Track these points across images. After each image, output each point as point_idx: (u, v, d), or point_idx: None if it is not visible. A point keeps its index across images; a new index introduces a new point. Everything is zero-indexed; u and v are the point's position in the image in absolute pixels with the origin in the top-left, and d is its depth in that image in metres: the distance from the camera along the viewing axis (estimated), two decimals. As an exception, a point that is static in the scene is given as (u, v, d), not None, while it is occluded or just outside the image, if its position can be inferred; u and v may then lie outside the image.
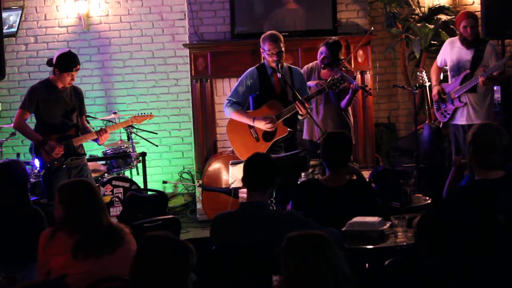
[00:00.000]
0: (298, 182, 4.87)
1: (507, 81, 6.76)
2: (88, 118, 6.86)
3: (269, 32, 5.81)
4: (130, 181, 6.84)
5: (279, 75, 5.64)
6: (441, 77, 6.76)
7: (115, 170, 7.05)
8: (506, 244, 3.19)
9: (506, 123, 6.63)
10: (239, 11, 7.46)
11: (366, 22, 7.64)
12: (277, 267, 2.53)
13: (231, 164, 5.06)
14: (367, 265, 3.81)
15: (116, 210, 6.64)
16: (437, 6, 7.84)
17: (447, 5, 7.91)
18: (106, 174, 6.99)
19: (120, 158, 7.05)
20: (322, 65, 6.21)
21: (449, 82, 6.43)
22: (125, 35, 8.05)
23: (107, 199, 6.58)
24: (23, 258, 3.84)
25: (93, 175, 6.43)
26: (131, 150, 7.07)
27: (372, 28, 7.16)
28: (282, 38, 5.72)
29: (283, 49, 5.68)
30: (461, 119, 6.29)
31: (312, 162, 5.20)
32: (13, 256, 3.93)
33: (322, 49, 6.23)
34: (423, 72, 6.89)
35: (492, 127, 3.58)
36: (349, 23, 7.62)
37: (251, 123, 5.69)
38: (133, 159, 7.08)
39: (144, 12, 8.06)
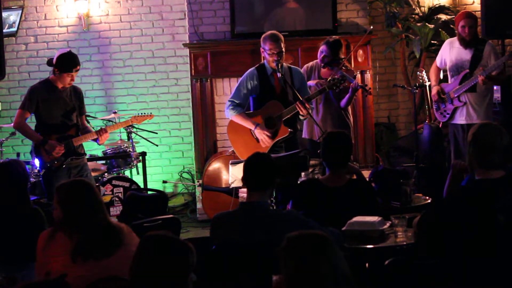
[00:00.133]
0: (298, 182, 4.87)
1: (507, 81, 6.76)
2: (88, 118, 6.87)
3: (269, 32, 5.81)
4: (130, 180, 6.84)
5: (279, 75, 5.63)
6: (441, 77, 6.77)
7: (115, 169, 7.05)
8: (506, 244, 3.19)
9: (506, 123, 6.63)
10: (239, 11, 7.46)
11: (366, 22, 7.63)
12: (277, 267, 2.53)
13: (231, 163, 5.06)
14: (367, 265, 3.81)
15: (116, 210, 6.65)
16: (437, 6, 7.85)
17: (447, 5, 7.91)
18: (106, 174, 6.99)
19: (120, 157, 7.05)
20: (322, 64, 6.21)
21: (449, 82, 6.44)
22: (125, 34, 8.05)
23: (107, 198, 6.59)
24: (23, 258, 3.83)
25: (93, 174, 6.42)
26: (131, 150, 7.07)
27: (372, 27, 7.16)
28: (282, 38, 5.72)
29: (283, 49, 5.68)
30: (460, 119, 6.30)
31: (312, 162, 5.19)
32: (13, 256, 3.93)
33: (322, 47, 6.23)
34: (423, 72, 6.90)
35: (492, 127, 3.58)
36: (349, 23, 7.62)
37: (252, 129, 5.69)
38: (133, 158, 7.08)
39: (144, 12, 8.06)
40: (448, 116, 6.37)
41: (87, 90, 7.75)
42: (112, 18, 8.04)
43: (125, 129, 7.19)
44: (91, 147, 7.24)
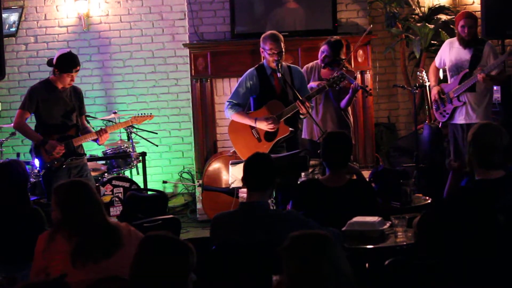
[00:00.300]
0: (298, 182, 4.87)
1: (507, 81, 6.76)
2: (88, 118, 6.87)
3: (269, 32, 5.81)
4: (130, 181, 6.84)
5: (279, 74, 5.63)
6: (441, 77, 6.76)
7: (115, 170, 7.05)
8: (506, 244, 3.19)
9: (506, 123, 6.63)
10: (239, 11, 7.46)
11: (366, 22, 7.63)
12: (277, 267, 2.53)
13: (231, 164, 5.06)
14: (367, 265, 3.81)
15: (116, 210, 6.65)
16: (437, 6, 7.84)
17: (447, 5, 7.91)
18: (106, 174, 7.00)
19: (120, 158, 7.05)
20: (323, 64, 6.21)
21: (448, 82, 6.44)
22: (125, 35, 8.05)
23: (107, 199, 6.59)
24: (23, 258, 3.83)
25: (93, 174, 6.43)
26: (131, 150, 7.07)
27: (371, 26, 7.17)
28: (282, 38, 5.72)
29: (283, 49, 5.68)
30: (459, 118, 6.30)
31: (312, 162, 5.19)
32: (13, 256, 3.93)
33: (323, 47, 6.23)
34: (423, 72, 6.89)
35: (492, 127, 3.58)
36: (349, 23, 7.62)
37: (253, 124, 5.69)
38: (133, 159, 7.08)
39: (144, 12, 8.06)
40: (447, 116, 6.37)
41: (87, 90, 7.75)
42: (112, 18, 8.04)
43: (125, 129, 7.19)
44: (91, 147, 7.24)
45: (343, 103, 6.22)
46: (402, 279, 3.39)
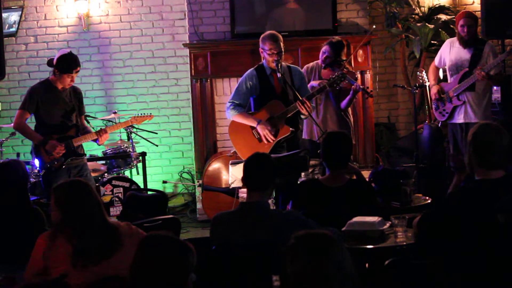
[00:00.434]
0: (298, 182, 4.87)
1: (507, 81, 6.76)
2: (88, 118, 6.87)
3: (268, 32, 5.80)
4: (130, 181, 6.84)
5: (279, 75, 5.63)
6: (441, 77, 6.76)
7: (115, 170, 7.05)
8: (506, 244, 3.19)
9: (506, 123, 6.63)
10: (239, 11, 7.46)
11: (366, 22, 7.63)
12: (277, 267, 2.53)
13: (231, 164, 5.06)
14: (367, 265, 3.81)
15: (116, 210, 6.65)
16: (437, 6, 7.84)
17: (447, 5, 7.91)
18: (106, 174, 7.00)
19: (120, 158, 7.05)
20: (324, 65, 6.21)
21: (448, 81, 6.44)
22: (125, 35, 8.05)
23: (107, 199, 6.59)
24: (23, 258, 3.83)
25: (93, 174, 6.43)
26: (131, 150, 7.07)
27: (374, 27, 7.17)
28: (281, 38, 5.72)
29: (283, 48, 5.68)
30: (459, 118, 6.30)
31: (312, 162, 5.19)
32: (13, 256, 3.92)
33: (325, 48, 6.22)
34: (423, 72, 6.90)
35: (492, 127, 3.57)
36: (349, 23, 7.62)
37: (255, 125, 5.68)
38: (133, 159, 7.08)
39: (144, 12, 8.06)
40: (447, 115, 6.37)
41: (87, 90, 7.75)
42: (112, 18, 8.05)
43: (125, 129, 7.19)
44: (91, 147, 7.24)
45: (343, 103, 6.22)
46: (402, 279, 3.39)
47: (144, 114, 6.32)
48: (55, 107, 5.59)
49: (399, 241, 3.75)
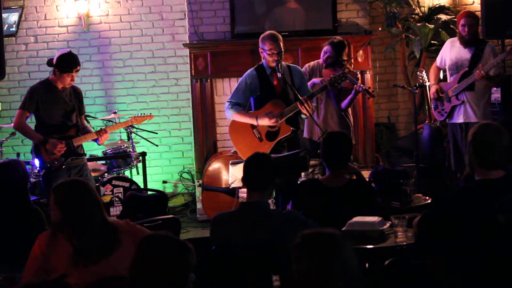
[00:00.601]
0: (298, 182, 4.87)
1: (507, 81, 6.76)
2: (88, 118, 6.87)
3: (268, 32, 5.80)
4: (130, 181, 6.84)
5: (279, 74, 5.62)
6: (441, 77, 6.76)
7: (115, 170, 7.05)
8: (506, 244, 3.19)
9: (506, 123, 6.63)
10: (239, 11, 7.46)
11: (366, 22, 7.64)
12: (277, 267, 2.53)
13: (231, 164, 5.06)
14: (367, 265, 3.81)
15: (116, 210, 6.65)
16: (437, 6, 7.85)
17: (447, 5, 7.91)
18: (106, 174, 7.00)
19: (120, 158, 7.05)
20: (325, 65, 6.21)
21: (448, 81, 6.44)
22: (125, 35, 8.06)
23: (107, 199, 6.59)
24: (23, 258, 3.83)
25: (93, 174, 6.43)
26: (131, 150, 7.07)
27: (380, 29, 7.17)
28: (281, 37, 5.72)
29: (282, 48, 5.68)
30: (458, 118, 6.31)
31: (312, 162, 5.19)
32: (13, 256, 3.92)
33: (326, 48, 6.22)
34: (423, 72, 6.90)
35: (492, 127, 3.57)
36: (349, 23, 7.62)
37: (254, 123, 5.67)
38: (133, 159, 7.08)
39: (144, 12, 8.06)
40: (445, 114, 6.38)
41: (87, 90, 7.75)
42: (112, 18, 8.05)
43: (125, 129, 7.19)
44: (91, 147, 7.24)
45: (344, 103, 6.22)
46: (402, 279, 3.39)
47: (144, 114, 6.32)
48: (55, 107, 5.59)
49: (399, 241, 3.75)
